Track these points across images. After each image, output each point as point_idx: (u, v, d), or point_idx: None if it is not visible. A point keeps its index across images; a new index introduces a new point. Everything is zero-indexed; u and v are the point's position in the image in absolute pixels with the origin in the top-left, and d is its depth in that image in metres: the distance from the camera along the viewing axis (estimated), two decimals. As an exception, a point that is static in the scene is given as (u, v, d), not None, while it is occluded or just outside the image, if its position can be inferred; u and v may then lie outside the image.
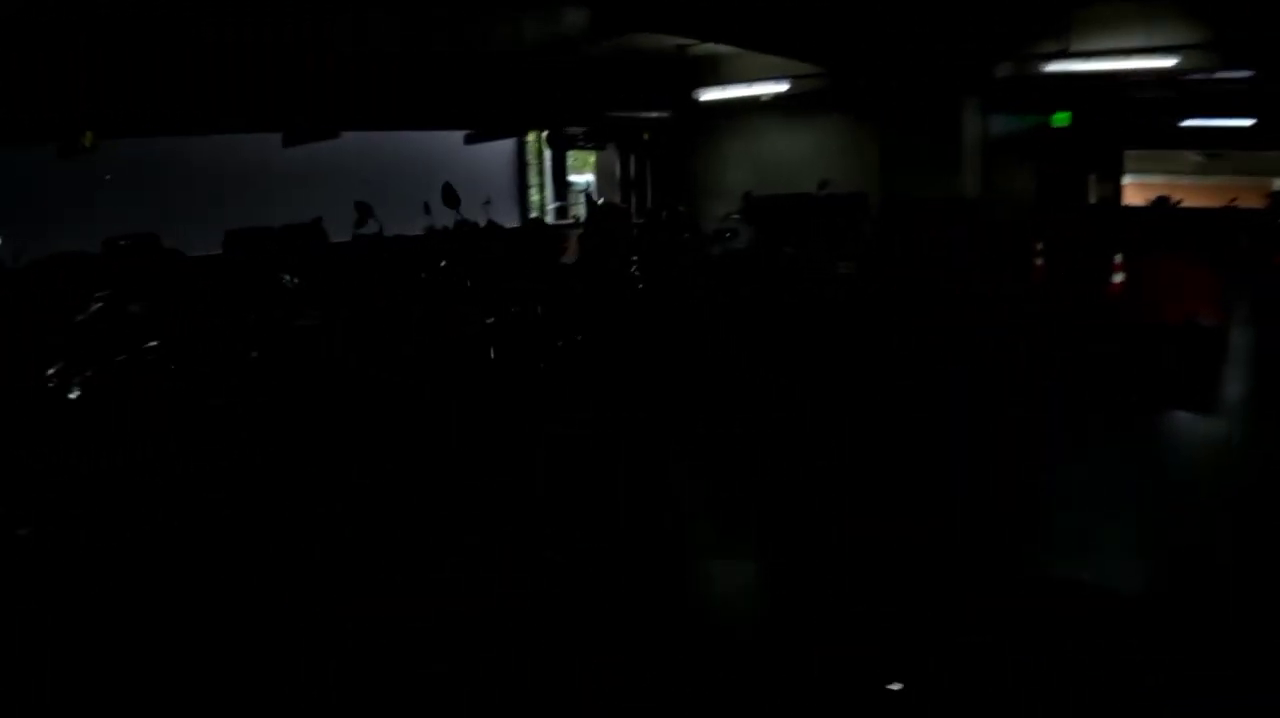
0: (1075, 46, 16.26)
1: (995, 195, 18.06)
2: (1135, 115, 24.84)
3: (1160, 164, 36.95)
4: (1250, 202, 28.97)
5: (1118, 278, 15.41)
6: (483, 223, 13.69)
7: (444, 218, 12.74)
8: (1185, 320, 14.65)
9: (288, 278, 11.74)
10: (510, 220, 19.33)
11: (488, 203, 14.07)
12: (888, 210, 18.09)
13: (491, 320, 10.81)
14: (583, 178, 25.06)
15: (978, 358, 13.70)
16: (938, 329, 14.73)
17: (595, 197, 23.13)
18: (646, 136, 22.67)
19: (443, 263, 11.73)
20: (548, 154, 24.05)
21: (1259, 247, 19.02)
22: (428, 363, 10.33)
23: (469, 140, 20.13)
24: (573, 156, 24.94)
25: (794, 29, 15.42)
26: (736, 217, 17.43)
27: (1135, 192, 33.12)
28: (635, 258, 14.65)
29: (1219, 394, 12.74)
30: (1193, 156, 35.89)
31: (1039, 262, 16.88)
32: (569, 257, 15.92)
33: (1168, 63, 15.28)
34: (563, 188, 23.32)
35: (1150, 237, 16.38)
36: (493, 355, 10.51)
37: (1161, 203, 24.25)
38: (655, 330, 12.69)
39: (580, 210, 22.09)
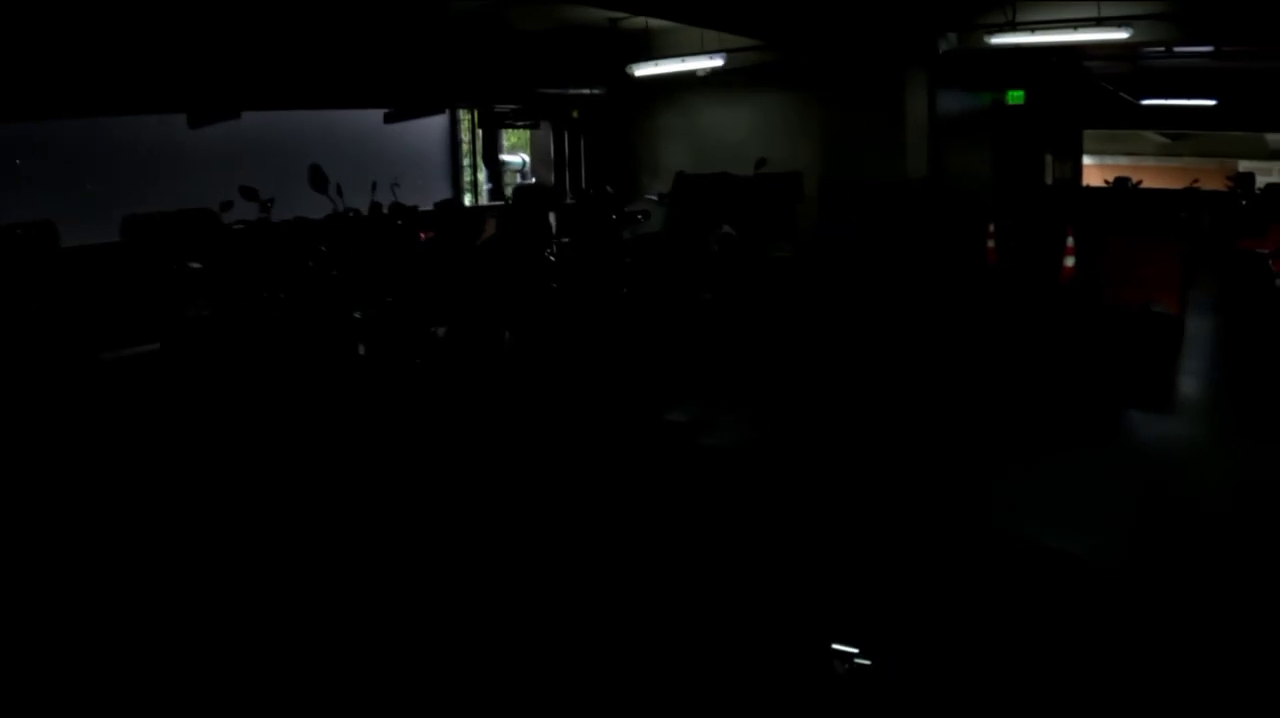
0: (1023, 18, 15.39)
1: (946, 175, 17.25)
2: (1094, 94, 24.12)
3: (1122, 145, 36.48)
4: (1213, 183, 28.53)
5: (1071, 261, 14.77)
6: (405, 207, 12.86)
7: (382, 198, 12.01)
8: (1142, 306, 14.01)
9: (186, 265, 10.96)
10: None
11: (396, 185, 13.19)
12: (828, 190, 17.21)
13: (359, 314, 9.83)
14: (518, 157, 24.01)
15: (922, 352, 12.89)
16: (879, 318, 13.95)
17: (528, 176, 22.28)
18: (576, 114, 21.69)
19: (322, 250, 10.79)
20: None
21: (1221, 229, 18.34)
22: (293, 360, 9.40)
23: (389, 119, 19.14)
24: (513, 135, 23.93)
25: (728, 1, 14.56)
26: (653, 198, 16.58)
27: (1097, 173, 32.70)
28: (563, 240, 13.84)
29: (1174, 389, 11.90)
30: (1155, 137, 35.32)
31: (992, 244, 16.19)
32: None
33: (1120, 35, 14.42)
34: (495, 167, 22.31)
35: (1109, 218, 15.76)
36: (361, 351, 9.55)
37: (1121, 184, 23.74)
38: (561, 323, 11.77)
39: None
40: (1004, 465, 9.10)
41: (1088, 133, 31.01)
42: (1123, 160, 38.40)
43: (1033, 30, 15.11)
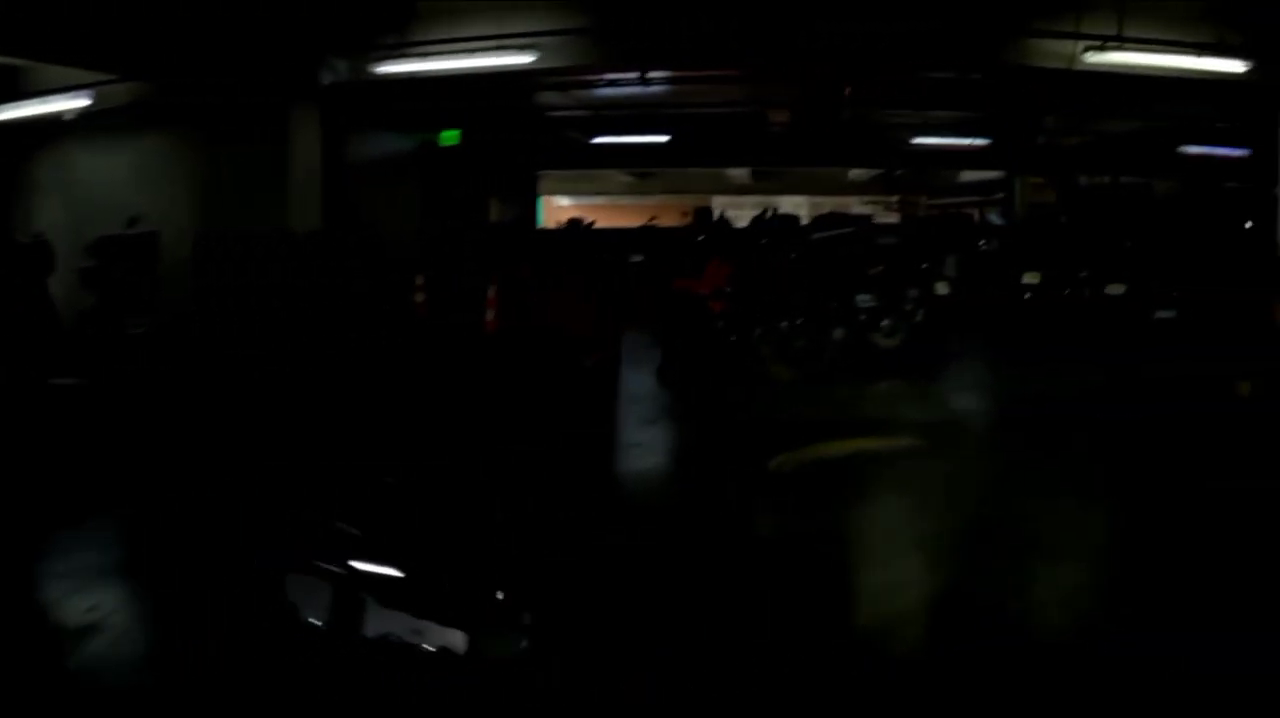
0: (423, 38, 13.41)
1: (364, 225, 15.10)
2: (547, 133, 22.74)
3: (592, 184, 36.15)
4: (672, 220, 28.22)
5: (493, 312, 13.24)
6: None
7: None
8: (574, 357, 12.60)
9: None
10: None
11: None
12: (206, 249, 14.55)
13: None
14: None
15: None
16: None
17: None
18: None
19: None
20: None
21: (662, 269, 17.25)
22: None
23: None
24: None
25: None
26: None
27: (575, 213, 32.08)
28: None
29: (610, 460, 10.04)
30: (622, 176, 34.88)
31: (420, 297, 14.61)
32: None
33: (524, 58, 12.74)
34: None
35: (537, 263, 14.39)
36: None
37: (574, 225, 22.75)
38: None
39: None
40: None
41: (553, 173, 30.04)
42: (599, 200, 38.15)
43: (429, 56, 13.17)
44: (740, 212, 30.71)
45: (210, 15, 12.90)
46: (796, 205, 34.70)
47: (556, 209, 36.64)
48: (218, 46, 13.39)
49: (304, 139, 14.35)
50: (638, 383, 13.09)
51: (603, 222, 26.50)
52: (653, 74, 16.14)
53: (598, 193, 37.36)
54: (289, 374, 12.57)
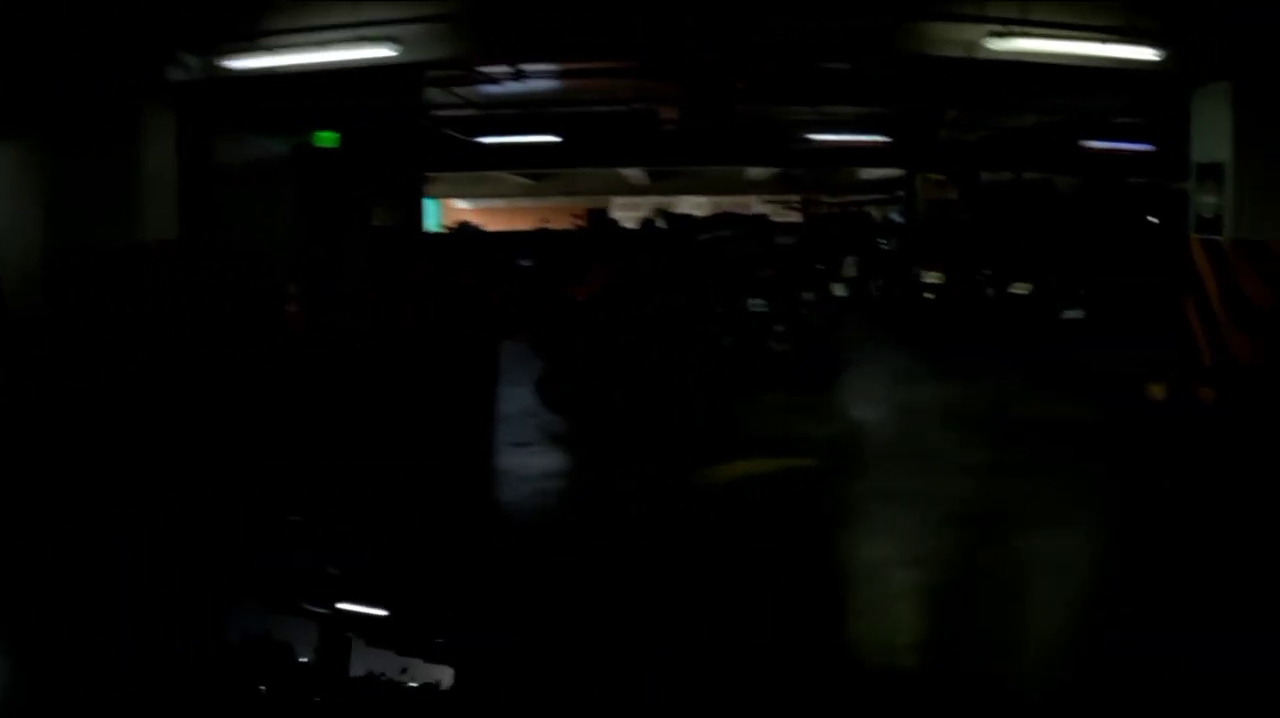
0: (273, 29, 12.39)
1: (230, 234, 14.09)
2: (431, 133, 21.78)
3: (485, 187, 35.36)
4: (563, 222, 27.72)
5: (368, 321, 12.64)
6: None
7: None
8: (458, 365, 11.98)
9: None
10: None
11: None
12: (57, 267, 13.36)
13: None
14: None
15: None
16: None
17: None
18: None
19: None
20: None
21: (552, 274, 16.52)
22: None
23: None
24: None
25: None
26: None
27: (473, 217, 31.70)
28: None
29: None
30: (516, 178, 34.09)
31: (294, 308, 14.11)
32: None
33: (386, 51, 11.78)
34: None
35: (430, 267, 13.77)
36: None
37: (463, 228, 22.25)
38: None
39: None
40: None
41: (443, 176, 29.09)
42: (497, 203, 37.49)
43: (281, 49, 12.16)
44: (635, 213, 30.12)
45: (49, 7, 11.88)
46: (698, 205, 34.26)
47: (454, 212, 35.79)
48: (57, 41, 12.33)
49: (157, 142, 13.26)
50: (514, 398, 12.23)
51: (497, 225, 25.90)
52: (528, 67, 15.37)
53: (494, 195, 36.61)
54: (147, 396, 11.64)
